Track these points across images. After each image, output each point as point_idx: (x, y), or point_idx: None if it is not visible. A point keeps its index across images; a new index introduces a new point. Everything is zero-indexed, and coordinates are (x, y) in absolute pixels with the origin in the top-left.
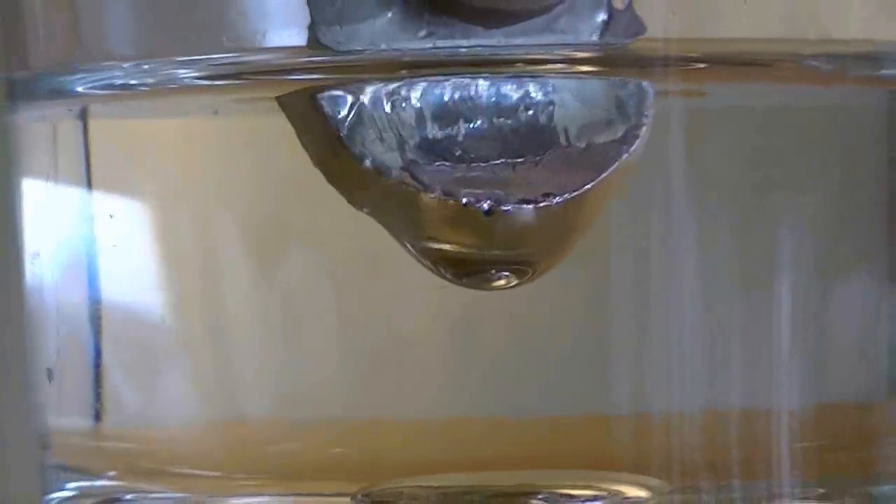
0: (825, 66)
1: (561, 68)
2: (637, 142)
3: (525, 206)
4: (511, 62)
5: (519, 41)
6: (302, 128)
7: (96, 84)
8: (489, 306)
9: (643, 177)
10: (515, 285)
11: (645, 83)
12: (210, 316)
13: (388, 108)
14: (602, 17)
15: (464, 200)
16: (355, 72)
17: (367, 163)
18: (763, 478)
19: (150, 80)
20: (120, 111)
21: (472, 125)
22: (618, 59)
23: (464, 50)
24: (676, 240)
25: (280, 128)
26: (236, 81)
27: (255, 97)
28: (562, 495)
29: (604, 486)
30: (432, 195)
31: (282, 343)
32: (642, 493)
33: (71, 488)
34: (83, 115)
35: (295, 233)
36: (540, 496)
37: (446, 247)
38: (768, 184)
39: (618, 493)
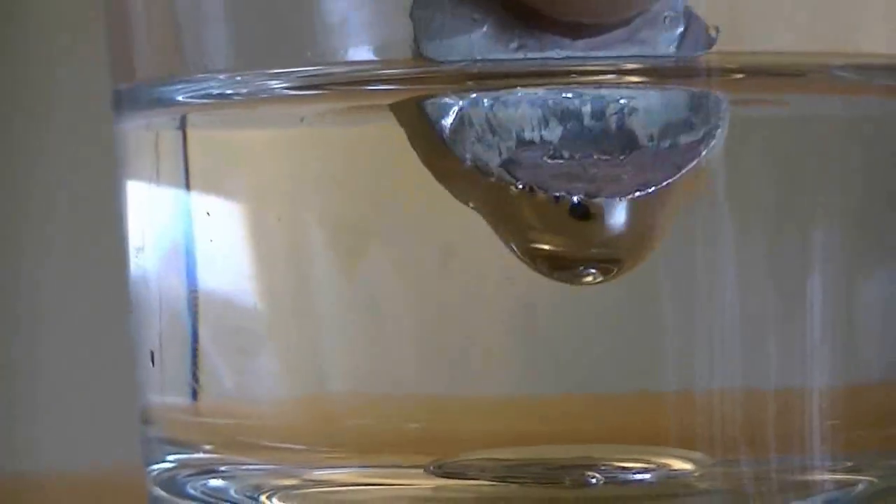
0: (852, 76)
1: (625, 79)
2: (713, 142)
3: (612, 198)
4: (593, 73)
5: (600, 53)
6: (410, 131)
7: (195, 94)
8: (551, 294)
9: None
10: (601, 281)
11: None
12: (297, 302)
13: (486, 113)
14: (679, 29)
15: (556, 194)
16: (451, 82)
17: (468, 162)
18: (797, 452)
19: (243, 90)
20: (215, 120)
21: (563, 127)
22: (665, 70)
23: (552, 62)
24: (719, 236)
25: (359, 135)
26: (321, 92)
27: (347, 107)
28: (616, 468)
29: (654, 459)
30: (527, 190)
31: (362, 327)
32: (688, 466)
33: (171, 460)
34: (182, 124)
35: (373, 228)
36: (596, 468)
37: (541, 245)
38: (800, 182)
39: (666, 465)
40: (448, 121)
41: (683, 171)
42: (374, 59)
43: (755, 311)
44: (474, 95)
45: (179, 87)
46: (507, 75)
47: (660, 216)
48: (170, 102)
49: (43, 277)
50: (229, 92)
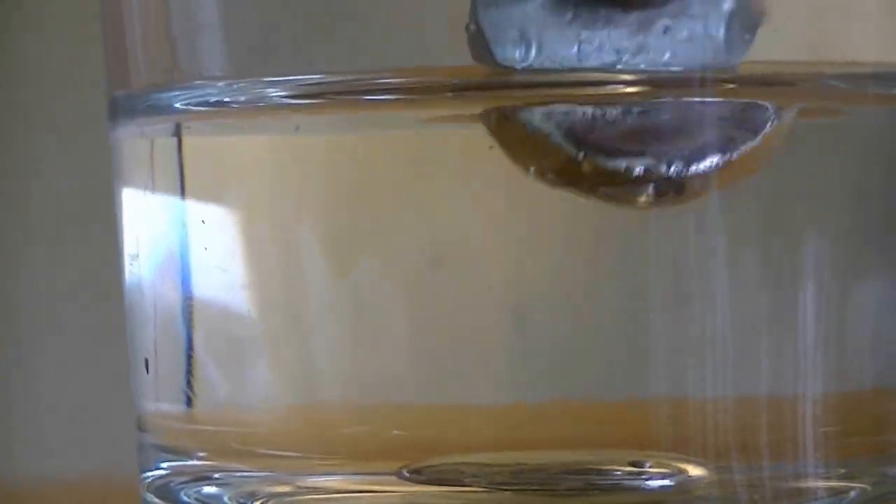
0: (844, 85)
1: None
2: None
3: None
4: (591, 84)
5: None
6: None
7: (190, 102)
8: (541, 301)
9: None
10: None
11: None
12: (290, 311)
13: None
14: (729, 4)
15: (622, 167)
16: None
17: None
18: (790, 459)
19: (239, 98)
20: (211, 128)
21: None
22: (659, 81)
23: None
24: (711, 243)
25: (353, 144)
26: (317, 101)
27: (343, 115)
28: (608, 474)
29: (645, 466)
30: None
31: (355, 335)
32: (680, 474)
33: (165, 467)
34: (178, 132)
35: (366, 236)
36: (588, 475)
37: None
38: (793, 191)
39: (658, 473)
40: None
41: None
42: (371, 68)
43: (747, 318)
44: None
45: (174, 94)
46: (516, 86)
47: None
48: (165, 110)
49: (42, 282)
50: (225, 100)
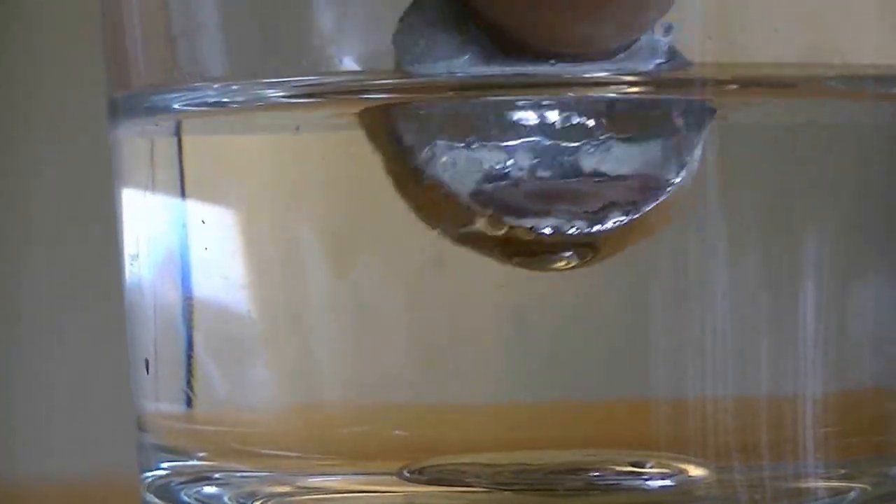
0: (843, 87)
1: (613, 89)
2: (685, 174)
3: (586, 229)
4: (585, 84)
5: (577, 69)
6: (373, 142)
7: (190, 102)
8: (541, 300)
9: (682, 185)
10: (574, 267)
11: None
12: (290, 311)
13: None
14: (659, 60)
15: (528, 225)
16: (427, 92)
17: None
18: (790, 459)
19: (238, 98)
20: (211, 128)
21: (527, 142)
22: (659, 81)
23: (523, 74)
24: (711, 244)
25: (352, 143)
26: (317, 100)
27: (336, 114)
28: (608, 474)
29: (646, 466)
30: (496, 220)
31: (354, 335)
32: (680, 474)
33: (165, 467)
34: (178, 132)
35: (366, 235)
36: (587, 474)
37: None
38: (793, 190)
39: (658, 473)
40: (421, 150)
41: (655, 202)
42: (369, 68)
43: (747, 318)
44: (442, 110)
45: (175, 95)
46: (476, 87)
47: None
48: (165, 110)
49: (43, 283)
50: (224, 100)
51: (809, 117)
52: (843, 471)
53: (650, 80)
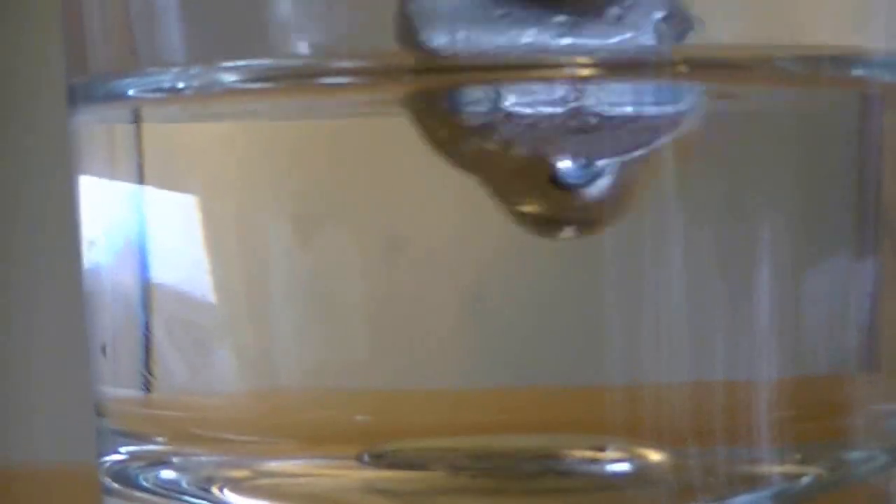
0: (797, 68)
1: (576, 71)
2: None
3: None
4: (550, 66)
5: (568, 41)
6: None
7: (148, 88)
8: (500, 285)
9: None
10: (577, 236)
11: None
12: (249, 296)
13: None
14: (661, 13)
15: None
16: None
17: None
18: (745, 444)
19: (196, 84)
20: (168, 115)
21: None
22: (615, 63)
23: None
24: (666, 228)
25: (311, 129)
26: (274, 85)
27: (293, 100)
28: (564, 459)
29: (601, 451)
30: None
31: (313, 320)
32: (635, 458)
33: (124, 452)
34: (136, 118)
35: (324, 221)
36: (545, 460)
37: (527, 208)
38: (747, 175)
39: (614, 457)
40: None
41: (655, 144)
42: (326, 52)
43: (702, 303)
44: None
45: (132, 80)
46: (483, 69)
47: (633, 184)
48: (123, 96)
49: (37, 273)
50: (182, 86)
51: (763, 102)
52: (798, 455)
53: (606, 61)
